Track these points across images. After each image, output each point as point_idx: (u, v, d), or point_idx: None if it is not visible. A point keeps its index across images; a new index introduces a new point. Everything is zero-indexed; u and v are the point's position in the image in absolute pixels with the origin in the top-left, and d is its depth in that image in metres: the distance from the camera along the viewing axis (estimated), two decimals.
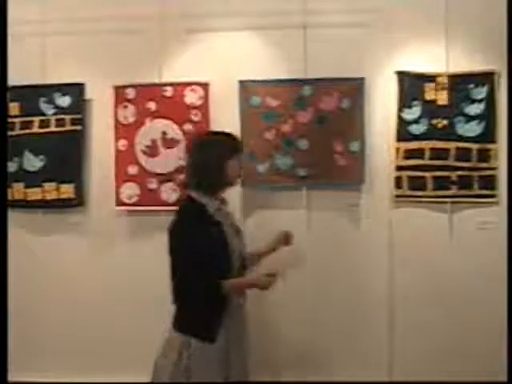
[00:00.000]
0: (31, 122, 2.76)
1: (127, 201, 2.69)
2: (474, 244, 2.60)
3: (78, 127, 2.73)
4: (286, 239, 2.25)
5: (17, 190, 2.77)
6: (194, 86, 2.66)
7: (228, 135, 2.09)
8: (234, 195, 2.66)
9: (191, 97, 2.66)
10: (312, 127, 2.62)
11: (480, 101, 2.59)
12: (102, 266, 2.76)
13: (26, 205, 2.78)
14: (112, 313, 2.74)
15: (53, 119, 2.75)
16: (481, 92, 2.59)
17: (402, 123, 2.62)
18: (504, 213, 2.58)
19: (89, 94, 2.73)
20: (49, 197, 2.76)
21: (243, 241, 2.09)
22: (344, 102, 2.62)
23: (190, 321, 1.96)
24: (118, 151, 2.69)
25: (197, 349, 1.90)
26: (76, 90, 2.73)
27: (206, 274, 1.89)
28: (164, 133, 2.67)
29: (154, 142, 2.68)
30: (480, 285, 2.60)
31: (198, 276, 1.90)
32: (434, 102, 2.60)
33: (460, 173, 2.60)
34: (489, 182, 2.59)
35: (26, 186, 2.77)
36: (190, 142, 2.16)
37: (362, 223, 2.62)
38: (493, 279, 2.57)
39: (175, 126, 2.67)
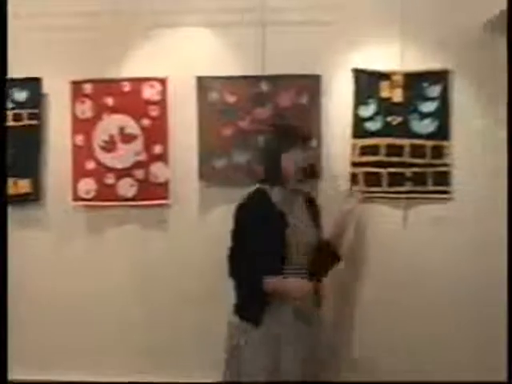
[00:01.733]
0: None
1: (84, 196, 2.68)
2: (428, 239, 2.64)
3: (35, 122, 2.72)
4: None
5: None
6: (152, 82, 2.66)
7: (289, 128, 2.28)
8: (191, 191, 2.70)
9: (149, 92, 2.66)
10: (270, 123, 2.63)
11: (434, 99, 2.64)
12: (60, 261, 2.73)
13: None
14: (69, 308, 2.72)
15: (10, 114, 2.73)
16: (434, 90, 2.64)
17: (358, 120, 2.65)
18: (457, 208, 2.63)
19: (46, 88, 2.72)
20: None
21: (314, 234, 2.16)
22: (301, 98, 2.64)
23: (240, 303, 2.07)
24: (75, 146, 2.68)
25: (250, 333, 1.99)
26: (33, 84, 2.71)
27: (255, 263, 1.99)
28: (122, 128, 2.67)
29: (111, 137, 2.67)
30: (434, 278, 2.63)
31: (247, 263, 2.02)
32: (389, 99, 2.64)
33: (415, 169, 2.63)
34: (442, 179, 2.64)
35: None
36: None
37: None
38: (446, 273, 2.62)
39: (133, 122, 2.66)
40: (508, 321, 2.04)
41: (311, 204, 2.28)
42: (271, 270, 2.03)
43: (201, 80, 2.65)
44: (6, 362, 1.90)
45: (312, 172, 2.27)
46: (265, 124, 2.60)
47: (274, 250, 2.04)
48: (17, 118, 2.73)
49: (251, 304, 2.03)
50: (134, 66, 2.71)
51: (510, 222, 2.47)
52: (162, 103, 2.66)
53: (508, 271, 2.21)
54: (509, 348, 2.03)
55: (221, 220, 2.63)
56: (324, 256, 2.21)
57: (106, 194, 2.67)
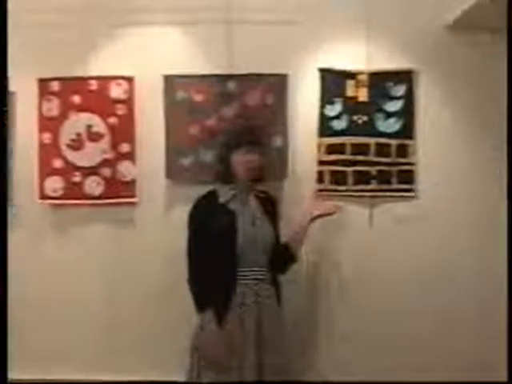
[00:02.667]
0: None
1: (51, 194, 2.67)
2: (392, 236, 2.68)
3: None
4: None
5: None
6: (119, 80, 2.66)
7: (240, 128, 2.36)
8: (158, 190, 2.71)
9: (116, 91, 2.66)
10: (236, 122, 2.64)
11: (398, 98, 2.67)
12: (27, 259, 2.71)
13: None
14: (36, 307, 2.71)
15: None
16: (399, 90, 2.67)
17: (324, 119, 2.67)
18: (421, 206, 2.67)
19: (13, 86, 2.69)
20: None
21: (270, 234, 2.18)
22: (268, 97, 2.65)
23: (200, 303, 2.09)
24: (42, 144, 2.67)
25: (207, 330, 2.04)
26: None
27: (203, 266, 2.08)
28: (89, 126, 2.67)
29: (78, 135, 2.67)
30: (398, 276, 2.68)
31: (194, 262, 2.10)
32: (354, 98, 2.67)
33: (380, 168, 2.67)
34: (407, 177, 2.67)
35: None
36: None
37: (284, 216, 2.65)
38: (410, 271, 2.67)
39: (100, 120, 2.66)
40: (508, 320, 2.07)
41: (267, 203, 2.29)
42: (225, 271, 2.08)
43: (168, 79, 2.66)
44: (6, 362, 1.88)
45: (260, 174, 2.25)
46: (231, 123, 2.62)
47: (225, 252, 2.08)
48: None
49: (214, 305, 2.08)
50: (100, 65, 2.70)
51: (510, 221, 2.48)
52: (129, 102, 2.67)
53: (508, 271, 2.22)
54: (509, 348, 2.04)
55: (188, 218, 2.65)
56: (281, 257, 2.23)
57: (73, 192, 2.66)
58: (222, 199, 2.17)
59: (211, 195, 2.21)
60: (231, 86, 2.66)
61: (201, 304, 2.09)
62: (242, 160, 2.16)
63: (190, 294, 2.13)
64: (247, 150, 2.17)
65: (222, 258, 2.08)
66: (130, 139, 2.67)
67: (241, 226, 2.11)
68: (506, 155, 2.41)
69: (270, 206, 2.29)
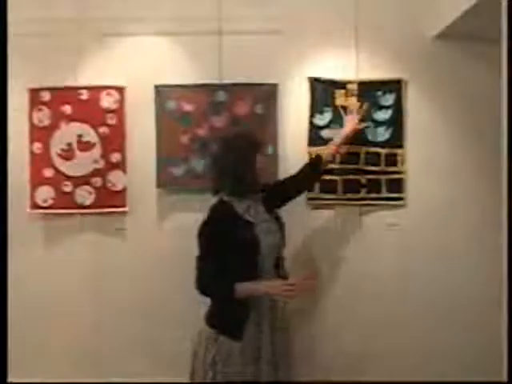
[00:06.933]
0: None
1: (42, 204, 2.68)
2: (382, 244, 2.70)
3: None
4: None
5: None
6: (109, 90, 2.68)
7: (246, 137, 2.23)
8: (149, 199, 2.72)
9: (107, 100, 2.67)
10: (227, 131, 2.66)
11: (388, 107, 2.69)
12: (17, 269, 2.69)
13: None
14: (25, 320, 2.69)
15: None
16: (388, 99, 2.69)
17: (314, 128, 2.69)
18: (411, 215, 2.69)
19: None
20: None
21: (279, 239, 2.13)
22: (258, 107, 2.67)
23: (217, 317, 2.05)
24: (32, 154, 2.68)
25: (223, 344, 1.98)
26: None
27: (225, 275, 1.97)
28: (80, 136, 2.67)
29: (69, 145, 2.68)
30: (387, 283, 2.70)
31: (218, 276, 1.99)
32: (344, 107, 2.69)
33: (369, 176, 2.69)
34: (396, 185, 2.69)
35: None
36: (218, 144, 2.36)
37: None
38: (401, 278, 2.69)
39: (91, 130, 2.67)
40: (508, 321, 2.08)
41: (266, 202, 2.23)
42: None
43: (158, 88, 2.67)
44: (5, 363, 1.86)
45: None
46: (223, 132, 2.63)
47: (248, 262, 2.01)
48: None
49: (230, 319, 2.02)
50: (91, 74, 2.71)
51: (510, 222, 2.47)
52: (119, 111, 2.68)
53: (508, 271, 2.23)
54: (509, 348, 2.05)
55: (179, 227, 2.67)
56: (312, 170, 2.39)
57: (63, 201, 2.67)
58: (239, 210, 2.08)
59: (226, 207, 2.09)
60: (221, 95, 2.67)
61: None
62: (259, 165, 2.13)
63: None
64: (262, 154, 2.17)
65: (246, 271, 2.00)
66: (121, 149, 2.68)
67: (262, 237, 2.04)
68: (506, 157, 2.42)
69: (269, 202, 2.22)
